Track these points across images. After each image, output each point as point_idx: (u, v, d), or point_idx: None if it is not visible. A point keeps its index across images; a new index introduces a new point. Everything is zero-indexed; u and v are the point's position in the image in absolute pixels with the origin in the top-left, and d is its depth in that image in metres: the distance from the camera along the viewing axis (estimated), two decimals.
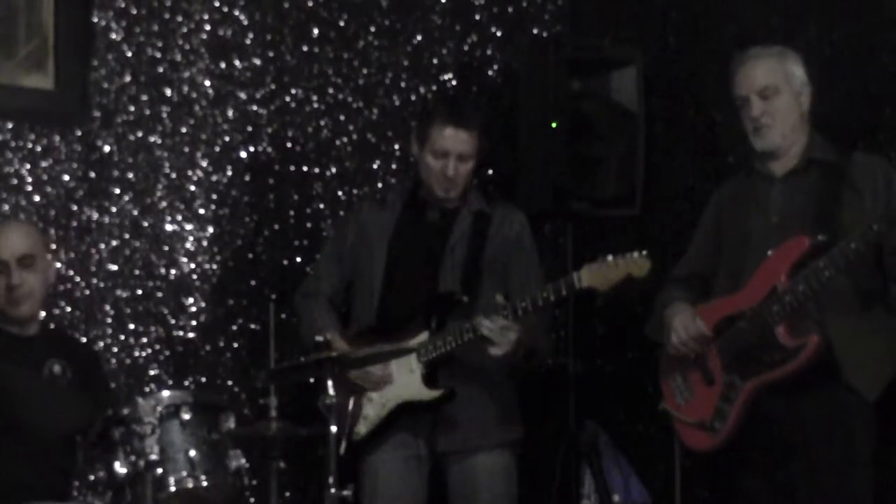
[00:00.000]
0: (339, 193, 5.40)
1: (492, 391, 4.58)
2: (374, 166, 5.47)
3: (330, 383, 3.97)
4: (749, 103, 4.25)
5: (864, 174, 4.17)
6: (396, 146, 5.47)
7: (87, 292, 4.96)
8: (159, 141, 5.11)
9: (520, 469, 4.68)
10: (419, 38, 5.57)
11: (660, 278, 4.59)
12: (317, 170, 5.37)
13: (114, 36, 5.04)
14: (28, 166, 4.89)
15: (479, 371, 4.52)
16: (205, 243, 5.17)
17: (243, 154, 5.25)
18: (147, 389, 4.96)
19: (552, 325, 4.85)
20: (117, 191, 5.04)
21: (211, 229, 5.18)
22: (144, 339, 5.05)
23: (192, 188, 5.16)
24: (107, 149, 5.02)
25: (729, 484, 4.35)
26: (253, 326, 5.20)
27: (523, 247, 4.67)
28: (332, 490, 3.91)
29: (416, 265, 4.62)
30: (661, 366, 4.46)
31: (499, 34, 5.68)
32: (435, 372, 4.51)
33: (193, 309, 5.14)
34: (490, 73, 5.67)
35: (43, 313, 4.53)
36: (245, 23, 5.26)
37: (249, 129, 5.26)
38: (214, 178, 5.19)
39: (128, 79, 5.06)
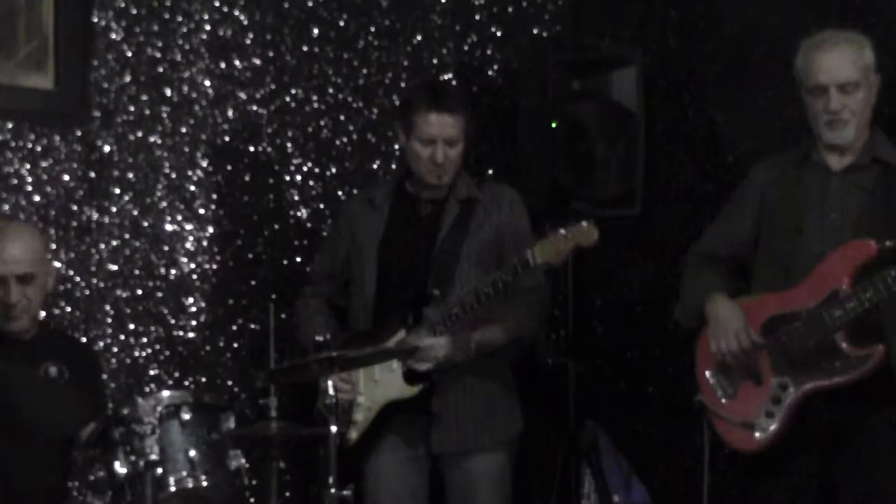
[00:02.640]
0: (339, 193, 5.39)
1: (486, 386, 4.54)
2: (374, 166, 5.47)
3: (330, 383, 3.98)
4: (828, 94, 4.04)
5: None
6: (396, 146, 5.46)
7: (87, 292, 4.96)
8: (159, 141, 5.11)
9: (520, 469, 4.66)
10: (419, 38, 5.56)
11: (660, 280, 4.58)
12: (317, 170, 5.37)
13: (114, 36, 5.03)
14: (28, 166, 4.89)
15: (472, 366, 4.49)
16: (205, 243, 5.17)
17: (243, 154, 5.25)
18: (147, 389, 4.96)
19: (539, 308, 4.65)
20: (117, 191, 5.03)
21: (211, 229, 5.18)
22: (144, 339, 5.05)
23: (192, 188, 5.16)
24: (107, 149, 5.02)
25: (751, 487, 4.21)
26: (253, 326, 5.20)
27: (515, 228, 4.59)
28: (332, 490, 3.92)
29: (408, 265, 4.57)
30: (698, 356, 4.23)
31: (499, 34, 5.68)
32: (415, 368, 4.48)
33: (193, 309, 5.14)
34: (490, 73, 5.67)
35: (43, 313, 4.53)
36: (245, 23, 5.26)
37: (249, 129, 5.26)
38: (214, 178, 5.19)
39: (128, 79, 5.05)
